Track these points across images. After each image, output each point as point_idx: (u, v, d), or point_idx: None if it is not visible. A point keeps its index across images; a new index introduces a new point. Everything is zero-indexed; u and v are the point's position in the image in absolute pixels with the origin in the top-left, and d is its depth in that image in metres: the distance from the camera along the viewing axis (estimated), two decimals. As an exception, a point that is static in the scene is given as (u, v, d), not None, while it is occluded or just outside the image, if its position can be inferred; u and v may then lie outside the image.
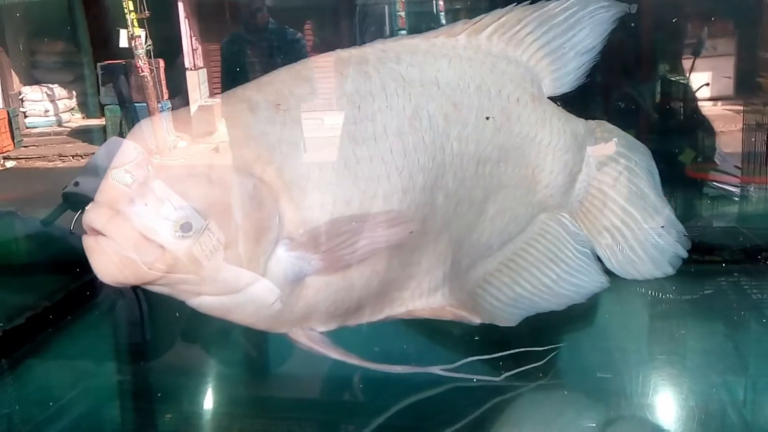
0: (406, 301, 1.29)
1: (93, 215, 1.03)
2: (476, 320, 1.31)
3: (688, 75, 2.11)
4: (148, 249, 1.03)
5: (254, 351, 1.54)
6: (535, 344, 1.32)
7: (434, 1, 2.69)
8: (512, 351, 1.28)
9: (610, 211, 1.37)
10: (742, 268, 1.78)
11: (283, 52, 2.38)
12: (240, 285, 1.11)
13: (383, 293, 1.25)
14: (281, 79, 1.19)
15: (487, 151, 1.25)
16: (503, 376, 1.28)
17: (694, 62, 2.08)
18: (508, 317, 1.33)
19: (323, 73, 1.20)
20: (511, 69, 1.28)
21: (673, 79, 2.10)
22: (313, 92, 1.18)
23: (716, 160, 2.08)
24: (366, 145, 1.16)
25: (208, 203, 1.05)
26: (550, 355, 1.32)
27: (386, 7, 2.58)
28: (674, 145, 2.10)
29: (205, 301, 1.12)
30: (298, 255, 1.12)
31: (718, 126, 2.35)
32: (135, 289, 1.52)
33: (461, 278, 1.31)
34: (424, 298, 1.30)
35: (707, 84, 2.19)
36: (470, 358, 1.28)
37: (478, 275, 1.33)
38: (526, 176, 1.31)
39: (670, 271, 1.39)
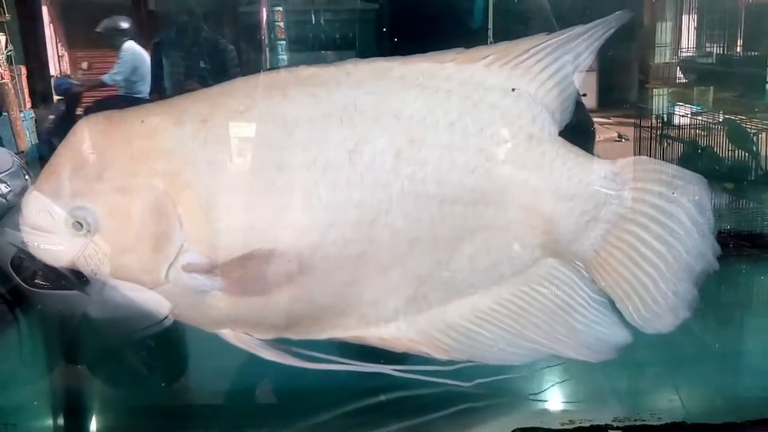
0: (350, 328, 1.27)
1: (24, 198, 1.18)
2: (441, 356, 1.27)
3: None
4: (47, 239, 1.16)
5: (145, 370, 1.47)
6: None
7: (313, 13, 2.69)
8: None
9: (634, 263, 1.21)
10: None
11: (212, 61, 2.31)
12: (142, 285, 1.18)
13: (318, 317, 1.25)
14: (224, 91, 1.17)
15: (455, 192, 1.17)
16: (475, 382, 1.30)
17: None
18: (506, 358, 1.28)
19: (268, 92, 1.16)
20: (505, 104, 1.17)
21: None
22: (248, 111, 1.15)
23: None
24: (289, 174, 1.13)
25: (106, 208, 1.14)
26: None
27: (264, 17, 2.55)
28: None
29: None
30: (202, 270, 1.16)
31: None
32: (13, 310, 1.42)
33: (428, 314, 1.27)
34: (372, 328, 1.27)
35: (584, 94, 2.32)
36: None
37: (462, 312, 1.27)
38: (517, 220, 1.21)
39: (688, 314, 1.23)
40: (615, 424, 1.19)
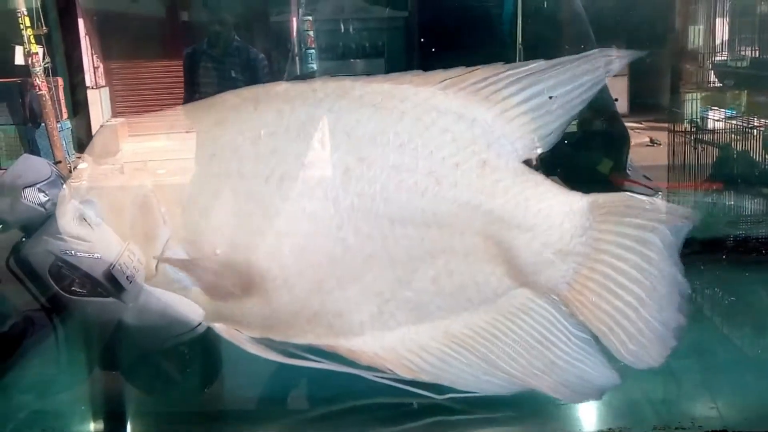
0: (322, 336, 1.30)
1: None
2: (406, 375, 1.28)
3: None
4: (66, 230, 1.27)
5: (177, 375, 1.48)
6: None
7: (343, 22, 2.70)
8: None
9: (613, 295, 1.17)
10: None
11: (244, 70, 2.34)
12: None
13: (290, 322, 1.30)
14: (210, 103, 1.31)
15: (405, 212, 1.19)
16: (447, 396, 1.29)
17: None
18: (480, 386, 1.27)
19: (241, 106, 1.26)
20: (458, 128, 1.18)
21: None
22: (222, 123, 1.26)
23: (628, 170, 2.18)
24: (250, 183, 1.22)
25: (106, 205, 1.29)
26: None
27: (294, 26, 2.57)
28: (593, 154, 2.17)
29: None
30: (182, 265, 1.28)
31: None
32: (50, 316, 1.44)
33: (398, 332, 1.28)
34: (341, 339, 1.29)
35: (616, 99, 2.31)
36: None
37: (435, 334, 1.27)
38: (476, 246, 1.20)
39: (675, 343, 1.19)
40: None
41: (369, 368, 1.29)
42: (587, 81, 1.17)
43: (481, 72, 1.17)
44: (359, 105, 1.19)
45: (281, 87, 1.25)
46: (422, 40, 2.05)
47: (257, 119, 1.23)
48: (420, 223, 1.19)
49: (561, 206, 1.18)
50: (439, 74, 1.19)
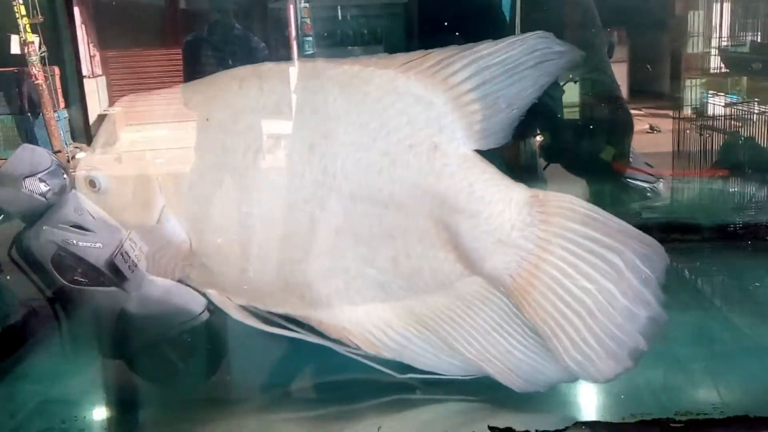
0: (297, 306, 1.33)
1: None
2: (368, 350, 1.29)
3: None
4: (68, 219, 1.32)
5: (182, 364, 1.48)
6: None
7: (341, 9, 2.69)
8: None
9: (557, 298, 1.15)
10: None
11: (245, 59, 2.33)
12: None
13: (270, 292, 1.34)
14: (206, 81, 1.38)
15: (364, 190, 1.21)
16: (407, 376, 1.30)
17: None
18: (440, 366, 1.29)
19: (222, 85, 1.34)
20: (414, 111, 1.19)
21: (596, 78, 2.17)
22: (211, 100, 1.34)
23: (630, 157, 2.18)
24: (226, 156, 1.29)
25: (111, 176, 1.37)
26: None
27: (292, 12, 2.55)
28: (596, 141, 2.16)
29: None
30: (175, 232, 1.35)
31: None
32: (53, 306, 1.43)
33: (365, 308, 1.30)
34: (312, 310, 1.32)
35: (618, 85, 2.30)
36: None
37: (400, 313, 1.28)
38: (428, 229, 1.21)
39: (631, 365, 1.16)
40: (677, 418, 1.17)
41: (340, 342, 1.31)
42: (529, 72, 1.17)
43: (436, 55, 1.18)
44: (329, 84, 1.24)
45: (266, 67, 1.31)
46: (421, 26, 2.04)
47: (240, 97, 1.29)
48: (378, 201, 1.21)
49: (502, 196, 1.18)
50: (401, 57, 1.21)
